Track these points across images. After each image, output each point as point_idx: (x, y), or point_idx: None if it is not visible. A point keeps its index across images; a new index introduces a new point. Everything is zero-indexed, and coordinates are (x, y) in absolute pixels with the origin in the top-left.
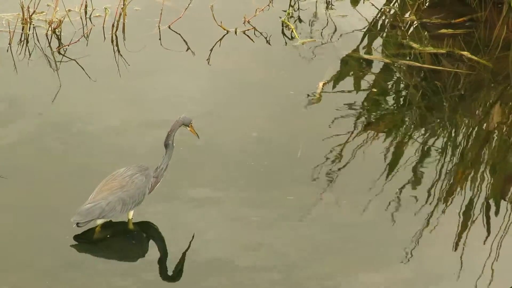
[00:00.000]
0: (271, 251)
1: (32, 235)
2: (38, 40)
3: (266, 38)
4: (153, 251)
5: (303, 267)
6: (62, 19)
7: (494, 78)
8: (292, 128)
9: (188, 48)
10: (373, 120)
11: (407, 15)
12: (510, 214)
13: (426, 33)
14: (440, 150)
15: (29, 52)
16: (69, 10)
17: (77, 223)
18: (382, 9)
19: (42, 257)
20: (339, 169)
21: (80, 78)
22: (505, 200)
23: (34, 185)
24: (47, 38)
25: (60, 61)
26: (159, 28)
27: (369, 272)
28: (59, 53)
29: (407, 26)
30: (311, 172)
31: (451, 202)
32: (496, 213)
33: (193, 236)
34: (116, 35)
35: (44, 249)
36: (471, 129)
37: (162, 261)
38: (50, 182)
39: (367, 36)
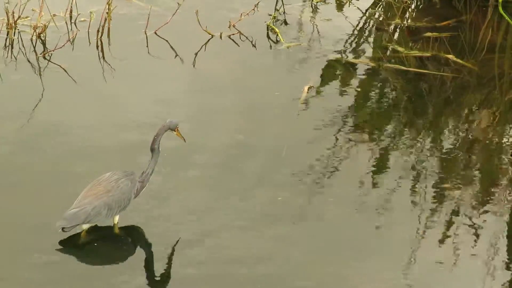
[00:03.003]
0: (260, 254)
1: (17, 240)
2: (23, 45)
3: (251, 42)
4: (139, 256)
5: (293, 269)
6: (47, 24)
7: (480, 81)
8: (278, 131)
9: (174, 53)
10: (359, 124)
11: (393, 18)
12: (498, 217)
13: (411, 36)
14: (426, 153)
15: (14, 57)
16: (54, 15)
17: (63, 228)
18: (368, 13)
19: (27, 263)
20: (325, 171)
21: (65, 84)
22: (492, 203)
23: (18, 190)
24: (32, 43)
25: (45, 67)
26: (145, 33)
27: (357, 273)
28: (44, 58)
29: (392, 30)
30: (297, 174)
31: (439, 205)
32: (484, 216)
33: (178, 241)
34: (101, 40)
35: (30, 254)
36: (456, 132)
37: (148, 266)
38: (35, 187)
39: (352, 40)
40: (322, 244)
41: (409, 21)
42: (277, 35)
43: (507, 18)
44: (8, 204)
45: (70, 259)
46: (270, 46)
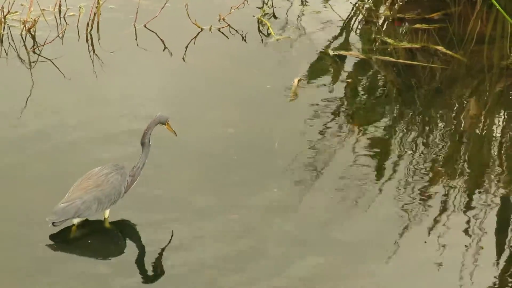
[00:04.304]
0: (253, 247)
1: (7, 235)
2: (13, 40)
3: (241, 35)
4: (130, 250)
5: (286, 262)
6: (36, 18)
7: (469, 72)
8: (268, 124)
9: (163, 46)
10: (349, 116)
11: (381, 10)
12: (486, 208)
13: (400, 28)
14: (415, 144)
15: (4, 52)
16: (44, 10)
17: (53, 222)
18: (357, 5)
19: (18, 257)
20: (317, 163)
21: (55, 78)
22: (481, 193)
23: (9, 186)
24: (22, 38)
25: (35, 61)
26: (135, 27)
27: (346, 268)
28: (34, 52)
29: (381, 22)
30: (289, 166)
31: (427, 197)
32: (473, 207)
33: (170, 236)
34: (90, 34)
35: (20, 249)
36: (446, 123)
37: (140, 261)
38: (26, 182)
39: (341, 32)
40: (316, 236)
41: (399, 13)
42: (268, 28)
43: (498, 7)
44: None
45: (60, 254)
46: (261, 40)
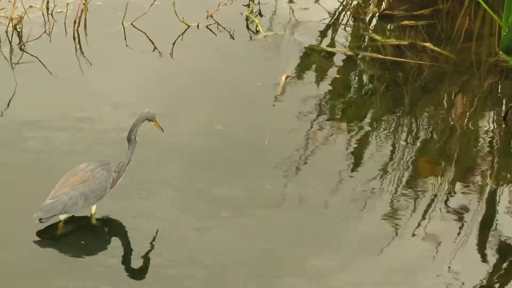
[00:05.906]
0: (243, 244)
1: None
2: None
3: (229, 32)
4: (117, 246)
5: (277, 257)
6: (23, 15)
7: (457, 69)
8: (256, 121)
9: (151, 44)
10: (337, 112)
11: (369, 7)
12: (472, 204)
13: (388, 25)
14: (403, 141)
15: None
16: (30, 6)
17: (40, 219)
18: (344, 1)
19: (3, 255)
20: (305, 160)
21: (41, 75)
22: (467, 190)
23: None
24: (8, 34)
25: (21, 58)
26: (123, 24)
27: (336, 262)
28: (20, 49)
29: (369, 18)
30: (279, 163)
31: (415, 193)
32: (459, 203)
33: (157, 231)
34: (78, 31)
35: (7, 247)
36: (434, 120)
37: (126, 256)
38: (12, 180)
39: (329, 28)
40: (309, 232)
41: (386, 9)
42: (257, 25)
43: (485, 6)
44: None
45: (47, 250)
46: (249, 36)
